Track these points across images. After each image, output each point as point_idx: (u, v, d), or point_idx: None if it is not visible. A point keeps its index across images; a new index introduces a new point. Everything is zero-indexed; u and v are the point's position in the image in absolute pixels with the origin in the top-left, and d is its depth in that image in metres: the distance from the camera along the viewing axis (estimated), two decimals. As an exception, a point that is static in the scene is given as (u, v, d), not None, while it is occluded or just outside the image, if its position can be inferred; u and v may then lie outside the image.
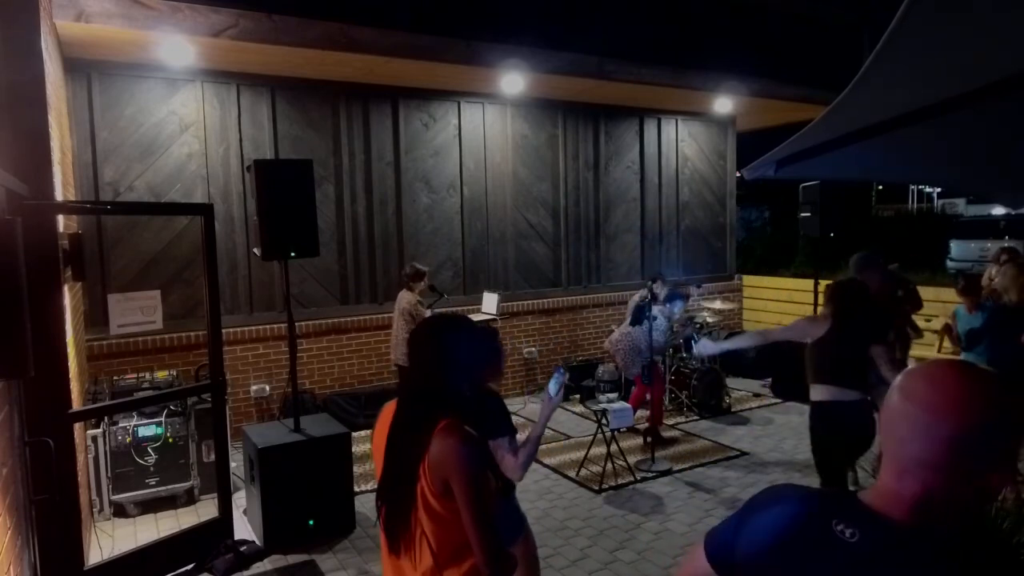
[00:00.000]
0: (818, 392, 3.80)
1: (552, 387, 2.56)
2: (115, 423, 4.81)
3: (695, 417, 7.02)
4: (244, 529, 4.59)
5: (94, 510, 4.73)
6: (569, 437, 6.49)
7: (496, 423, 2.46)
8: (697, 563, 1.22)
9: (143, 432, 4.86)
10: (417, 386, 1.91)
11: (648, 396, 6.22)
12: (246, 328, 6.50)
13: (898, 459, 1.03)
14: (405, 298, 6.02)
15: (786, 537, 1.08)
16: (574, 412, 7.28)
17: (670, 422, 6.81)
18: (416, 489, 1.82)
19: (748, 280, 10.45)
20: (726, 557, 1.17)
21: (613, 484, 5.27)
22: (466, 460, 1.77)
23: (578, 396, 7.68)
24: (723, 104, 8.68)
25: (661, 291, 6.22)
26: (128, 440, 4.81)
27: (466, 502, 1.75)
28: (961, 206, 23.75)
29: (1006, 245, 8.37)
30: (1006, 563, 1.06)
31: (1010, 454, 0.99)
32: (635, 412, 5.58)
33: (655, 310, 5.94)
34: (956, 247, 15.87)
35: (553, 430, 6.67)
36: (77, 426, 3.78)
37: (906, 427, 1.01)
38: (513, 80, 6.98)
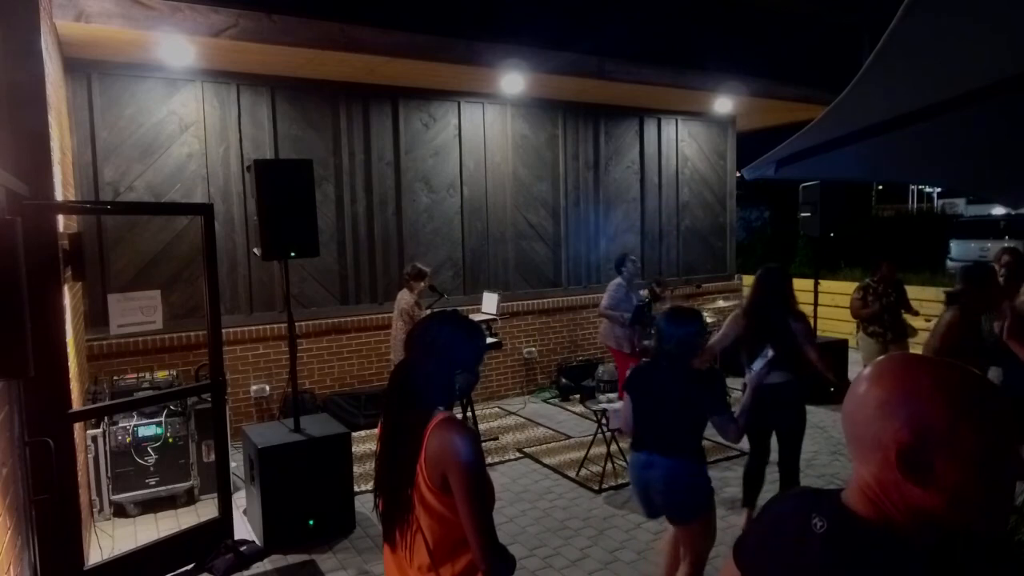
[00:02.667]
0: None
1: (757, 364, 3.28)
2: (115, 423, 4.81)
3: (695, 417, 7.01)
4: (244, 529, 4.59)
5: (94, 510, 4.73)
6: (569, 437, 6.49)
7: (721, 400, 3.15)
8: (727, 569, 1.28)
9: (143, 432, 4.86)
10: (414, 380, 1.90)
11: None
12: (246, 328, 6.50)
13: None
14: (404, 298, 6.02)
15: (774, 530, 1.15)
16: (574, 412, 7.28)
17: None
18: (413, 484, 1.82)
19: (748, 280, 10.41)
20: (741, 555, 1.24)
21: (613, 484, 5.26)
22: (464, 454, 1.76)
23: (578, 396, 7.69)
24: (723, 104, 8.67)
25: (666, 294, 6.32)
26: (128, 440, 4.81)
27: (464, 496, 1.75)
28: (961, 206, 23.76)
29: (1006, 245, 8.37)
30: (1006, 563, 1.06)
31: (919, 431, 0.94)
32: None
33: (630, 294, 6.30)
34: (956, 247, 15.88)
35: (553, 430, 6.67)
36: (77, 426, 3.78)
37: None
38: (513, 80, 6.97)
